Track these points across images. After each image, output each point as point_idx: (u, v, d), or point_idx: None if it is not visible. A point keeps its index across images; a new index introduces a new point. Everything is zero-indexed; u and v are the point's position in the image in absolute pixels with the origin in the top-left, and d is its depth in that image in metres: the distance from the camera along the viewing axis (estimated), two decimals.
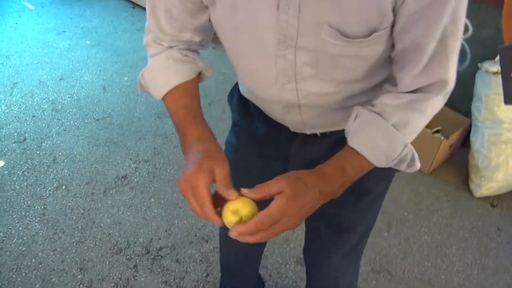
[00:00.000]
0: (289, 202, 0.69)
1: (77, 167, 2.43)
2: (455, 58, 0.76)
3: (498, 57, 2.56)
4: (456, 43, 0.73)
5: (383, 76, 0.86)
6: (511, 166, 2.42)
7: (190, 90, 0.91)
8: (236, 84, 1.17)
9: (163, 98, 0.90)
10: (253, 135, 1.13)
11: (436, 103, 0.80)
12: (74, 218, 2.13)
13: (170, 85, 0.89)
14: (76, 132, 2.68)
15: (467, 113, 2.68)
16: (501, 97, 2.47)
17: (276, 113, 1.01)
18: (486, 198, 2.54)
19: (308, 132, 1.01)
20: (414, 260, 2.12)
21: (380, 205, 1.17)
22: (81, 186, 2.31)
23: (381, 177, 1.07)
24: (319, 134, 1.01)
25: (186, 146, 0.82)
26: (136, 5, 4.36)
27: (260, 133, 1.11)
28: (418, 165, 0.84)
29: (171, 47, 0.91)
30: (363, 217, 1.15)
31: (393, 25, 0.72)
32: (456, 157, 2.81)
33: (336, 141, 0.99)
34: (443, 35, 0.71)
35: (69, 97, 2.98)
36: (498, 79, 2.52)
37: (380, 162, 0.81)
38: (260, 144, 1.13)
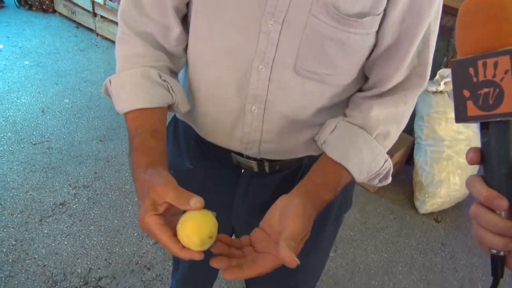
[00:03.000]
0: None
1: (10, 195, 2.27)
2: (432, 57, 0.79)
3: (436, 77, 2.66)
4: (434, 41, 0.77)
5: (355, 89, 0.85)
6: (453, 182, 2.49)
7: (156, 115, 0.80)
8: (170, 123, 1.07)
9: (125, 114, 0.80)
10: (192, 179, 1.02)
11: (409, 108, 0.83)
12: (5, 250, 1.97)
13: (137, 106, 0.78)
14: (10, 157, 2.52)
15: (410, 131, 2.75)
16: (441, 116, 2.58)
17: (229, 119, 0.87)
18: (431, 214, 2.60)
19: (257, 158, 0.92)
20: (361, 280, 2.11)
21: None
22: (14, 215, 2.15)
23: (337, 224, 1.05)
24: (267, 170, 0.93)
25: (133, 171, 0.73)
26: (79, 25, 4.23)
27: (201, 176, 1.00)
28: (390, 179, 0.84)
29: (149, 66, 0.82)
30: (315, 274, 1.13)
31: (381, 21, 0.73)
32: (401, 175, 2.87)
33: (282, 180, 0.94)
34: (428, 31, 0.74)
35: (3, 120, 2.81)
36: (438, 99, 2.62)
37: (361, 176, 0.80)
38: (201, 188, 1.05)
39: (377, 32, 0.76)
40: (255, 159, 0.92)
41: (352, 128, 0.81)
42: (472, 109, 0.49)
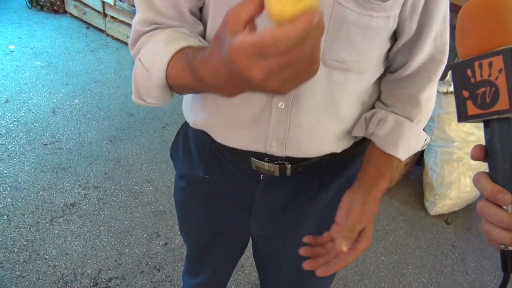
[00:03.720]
0: None
1: (21, 195, 2.29)
2: (449, 34, 0.84)
3: (447, 78, 2.63)
4: (449, 20, 0.82)
5: (377, 75, 0.88)
6: (463, 183, 2.47)
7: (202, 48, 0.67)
8: (179, 132, 1.07)
9: (167, 74, 0.70)
10: (207, 188, 1.02)
11: (435, 86, 0.90)
12: (16, 250, 2.00)
13: (174, 49, 0.69)
14: (22, 157, 2.55)
15: None
16: (452, 117, 2.55)
17: (255, 118, 0.83)
18: (441, 216, 2.57)
19: (282, 156, 0.89)
20: (371, 282, 2.10)
21: None
22: (25, 216, 2.18)
23: None
24: (288, 173, 0.91)
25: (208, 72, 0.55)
26: (90, 25, 4.25)
27: (216, 184, 1.00)
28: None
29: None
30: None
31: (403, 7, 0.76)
32: (411, 175, 2.85)
33: (302, 182, 0.94)
34: (446, 10, 0.79)
35: (15, 121, 2.84)
36: (448, 99, 2.59)
37: (407, 157, 0.90)
38: (216, 197, 1.03)
39: (401, 20, 0.79)
40: (277, 163, 0.90)
41: (397, 120, 0.87)
42: (471, 109, 0.52)
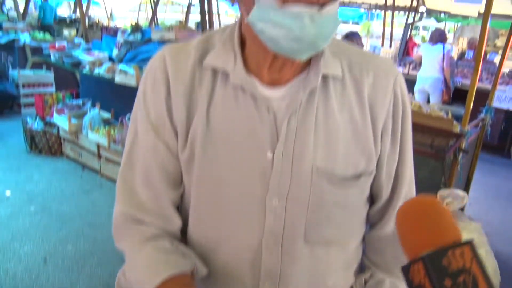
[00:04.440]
0: None
1: None
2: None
3: (437, 199, 2.66)
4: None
5: (356, 241, 0.90)
6: None
7: (187, 281, 0.77)
8: None
9: None
10: None
11: None
12: None
13: (162, 276, 0.74)
14: None
15: None
16: None
17: None
18: None
19: None
20: None
21: None
22: None
23: None
24: None
25: None
26: (85, 166, 4.38)
27: None
28: None
29: (156, 236, 0.81)
30: None
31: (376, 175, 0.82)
32: None
33: None
34: (411, 173, 0.88)
35: (3, 273, 2.76)
36: None
37: None
38: None
39: (378, 187, 0.85)
40: None
41: (393, 284, 0.90)
42: None
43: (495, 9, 3.18)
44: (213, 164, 0.78)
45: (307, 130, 0.75)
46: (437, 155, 2.74)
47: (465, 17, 10.44)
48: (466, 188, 3.68)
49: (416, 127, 2.95)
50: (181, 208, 0.88)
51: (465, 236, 0.53)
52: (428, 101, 5.81)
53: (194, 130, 0.78)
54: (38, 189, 3.91)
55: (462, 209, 3.17)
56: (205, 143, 0.77)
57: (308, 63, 0.77)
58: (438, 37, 5.72)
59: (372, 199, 0.89)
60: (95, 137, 4.10)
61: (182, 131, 0.79)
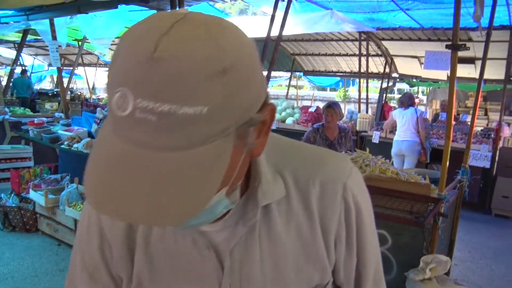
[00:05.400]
0: None
1: None
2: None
3: (421, 265, 2.63)
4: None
5: None
6: None
7: None
8: None
9: None
10: None
11: None
12: None
13: None
14: None
15: None
16: None
17: None
18: None
19: None
20: None
21: None
22: None
23: None
24: None
25: None
26: (61, 242, 4.23)
27: None
28: None
29: None
30: None
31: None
32: None
33: None
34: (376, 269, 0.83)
35: None
36: (427, 286, 2.54)
37: None
38: None
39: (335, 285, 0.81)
40: None
41: None
42: None
43: (461, 73, 3.34)
44: None
45: (252, 259, 0.72)
46: (417, 223, 2.73)
47: (435, 81, 10.90)
48: (450, 249, 3.65)
49: (395, 194, 2.99)
50: None
51: None
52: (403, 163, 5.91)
53: (138, 270, 0.76)
54: (8, 270, 3.71)
55: (447, 273, 3.11)
56: (153, 279, 0.76)
57: (245, 189, 0.71)
58: (408, 101, 5.93)
59: None
60: (72, 212, 4.00)
61: (125, 273, 0.78)
